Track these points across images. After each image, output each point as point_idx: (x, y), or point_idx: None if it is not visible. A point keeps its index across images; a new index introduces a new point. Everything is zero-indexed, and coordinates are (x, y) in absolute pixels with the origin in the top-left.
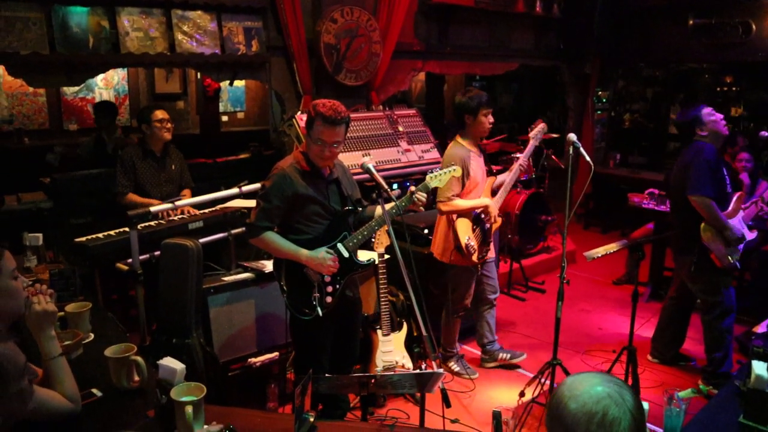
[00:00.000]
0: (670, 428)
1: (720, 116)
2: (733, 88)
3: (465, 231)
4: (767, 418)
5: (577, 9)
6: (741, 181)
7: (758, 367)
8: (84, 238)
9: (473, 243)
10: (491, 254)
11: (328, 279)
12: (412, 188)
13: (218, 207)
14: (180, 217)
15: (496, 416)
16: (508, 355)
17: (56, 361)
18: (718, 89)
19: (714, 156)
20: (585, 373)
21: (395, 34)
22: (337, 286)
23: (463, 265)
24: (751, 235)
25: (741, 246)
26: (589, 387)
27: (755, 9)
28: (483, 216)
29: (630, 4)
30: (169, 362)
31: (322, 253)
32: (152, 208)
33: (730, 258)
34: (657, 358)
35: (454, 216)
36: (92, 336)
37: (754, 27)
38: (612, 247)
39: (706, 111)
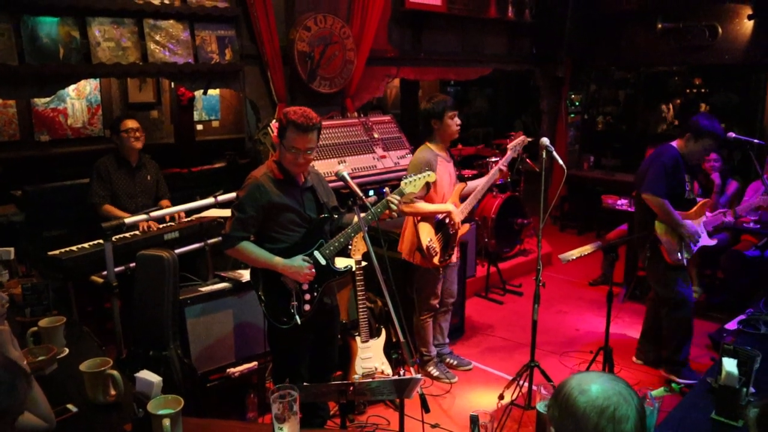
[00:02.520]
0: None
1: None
2: (702, 90)
3: (427, 233)
4: (738, 413)
5: (548, 14)
6: (712, 181)
7: (728, 363)
8: (57, 251)
9: (435, 246)
10: (453, 259)
11: (305, 287)
12: (387, 191)
13: (194, 217)
14: (168, 224)
15: (474, 420)
16: (456, 362)
17: None
18: (688, 91)
19: (672, 161)
20: (592, 372)
21: (369, 41)
22: (315, 294)
23: (426, 267)
24: (710, 242)
25: (694, 246)
26: (598, 384)
27: (721, 13)
28: (447, 221)
29: (600, 9)
30: (146, 375)
31: (299, 260)
32: (127, 220)
33: (678, 255)
34: (641, 359)
35: (417, 218)
36: (67, 351)
37: (720, 30)
38: (586, 249)
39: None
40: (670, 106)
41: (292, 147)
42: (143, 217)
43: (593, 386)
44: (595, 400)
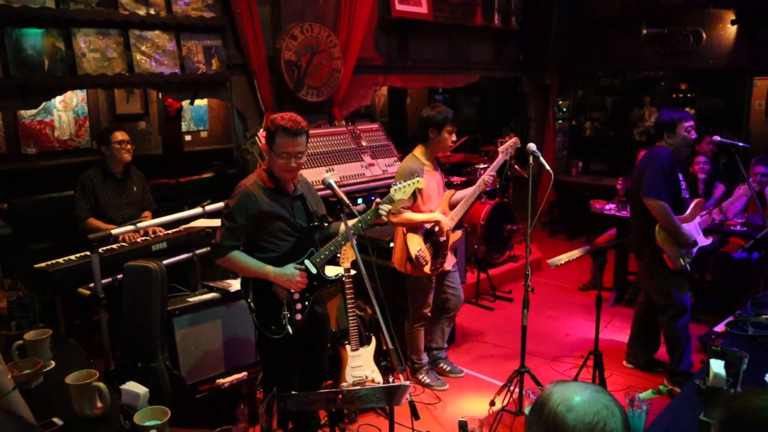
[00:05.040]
0: (633, 429)
1: (694, 135)
2: (688, 95)
3: (416, 243)
4: None
5: (534, 21)
6: (699, 184)
7: (716, 365)
8: (44, 264)
9: (424, 254)
10: (447, 266)
11: (296, 296)
12: (378, 201)
13: (182, 227)
14: (143, 238)
15: (462, 426)
16: (449, 368)
17: (9, 397)
18: (674, 96)
19: (668, 161)
20: (568, 383)
21: (356, 50)
22: (306, 303)
23: (417, 276)
24: (706, 241)
25: (694, 250)
26: (582, 398)
27: (705, 18)
28: (435, 230)
29: (586, 16)
30: (132, 386)
31: (290, 269)
32: (114, 231)
33: (681, 260)
34: (632, 363)
35: (406, 228)
36: (53, 363)
37: (704, 35)
38: (574, 253)
39: (688, 124)
40: (652, 110)
41: (283, 152)
42: (130, 228)
43: (580, 401)
44: (584, 416)
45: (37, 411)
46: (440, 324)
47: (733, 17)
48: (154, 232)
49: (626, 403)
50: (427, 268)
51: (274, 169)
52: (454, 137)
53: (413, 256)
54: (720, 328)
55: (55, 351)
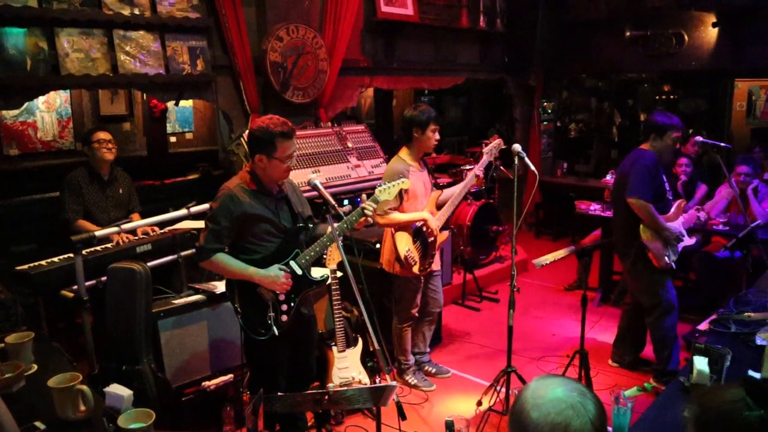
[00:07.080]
0: (618, 427)
1: (677, 147)
2: (671, 96)
3: (405, 243)
4: None
5: (519, 23)
6: (681, 185)
7: (699, 362)
8: (26, 266)
9: (413, 255)
10: (435, 267)
11: (282, 297)
12: (363, 198)
13: (167, 229)
14: (131, 238)
15: (449, 425)
16: (434, 369)
17: None
18: (657, 97)
19: (653, 163)
20: (549, 379)
21: (342, 51)
22: (292, 305)
23: (405, 276)
24: (690, 241)
25: (680, 246)
26: (552, 396)
27: (687, 21)
28: (424, 229)
29: (570, 18)
30: (116, 389)
31: (275, 270)
32: (98, 233)
33: (667, 258)
34: (617, 362)
35: (394, 228)
36: (35, 367)
37: (686, 38)
38: (559, 253)
39: (676, 135)
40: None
41: (287, 156)
42: (114, 230)
43: (547, 399)
44: (547, 415)
45: (18, 415)
46: (421, 328)
47: (714, 20)
48: (149, 232)
49: (611, 400)
50: (415, 269)
51: (273, 175)
52: (437, 136)
53: (402, 257)
54: (703, 326)
55: (38, 354)
